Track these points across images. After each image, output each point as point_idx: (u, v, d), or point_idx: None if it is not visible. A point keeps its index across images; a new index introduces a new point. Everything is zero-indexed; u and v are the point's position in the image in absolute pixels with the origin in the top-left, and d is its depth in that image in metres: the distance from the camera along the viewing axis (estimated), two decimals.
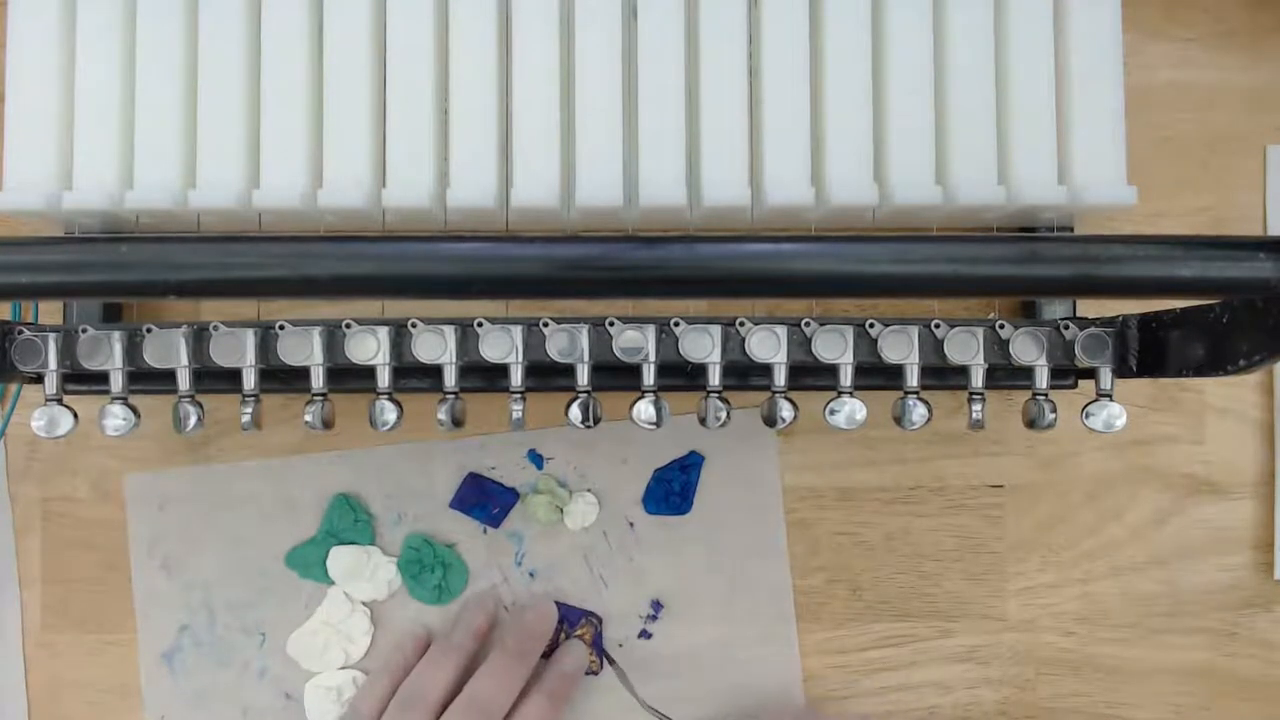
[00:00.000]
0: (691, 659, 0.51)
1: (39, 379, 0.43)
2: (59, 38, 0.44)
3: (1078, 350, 0.43)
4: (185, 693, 0.51)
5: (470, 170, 0.44)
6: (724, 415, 0.42)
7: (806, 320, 0.42)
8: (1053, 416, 0.43)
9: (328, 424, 0.42)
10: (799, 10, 0.44)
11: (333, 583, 0.51)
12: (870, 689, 0.52)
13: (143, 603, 0.51)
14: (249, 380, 0.42)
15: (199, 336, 0.42)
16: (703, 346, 0.42)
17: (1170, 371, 0.43)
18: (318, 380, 0.42)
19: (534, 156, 0.44)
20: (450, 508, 0.51)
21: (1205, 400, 0.52)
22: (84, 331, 0.42)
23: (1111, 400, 0.43)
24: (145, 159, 0.44)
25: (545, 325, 0.42)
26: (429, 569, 0.51)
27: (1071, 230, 0.47)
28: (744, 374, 0.45)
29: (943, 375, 0.44)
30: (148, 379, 0.44)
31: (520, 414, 0.42)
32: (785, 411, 0.42)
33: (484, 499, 0.51)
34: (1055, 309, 0.48)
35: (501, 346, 0.42)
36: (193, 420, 0.42)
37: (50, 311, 0.48)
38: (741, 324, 0.42)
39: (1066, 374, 0.47)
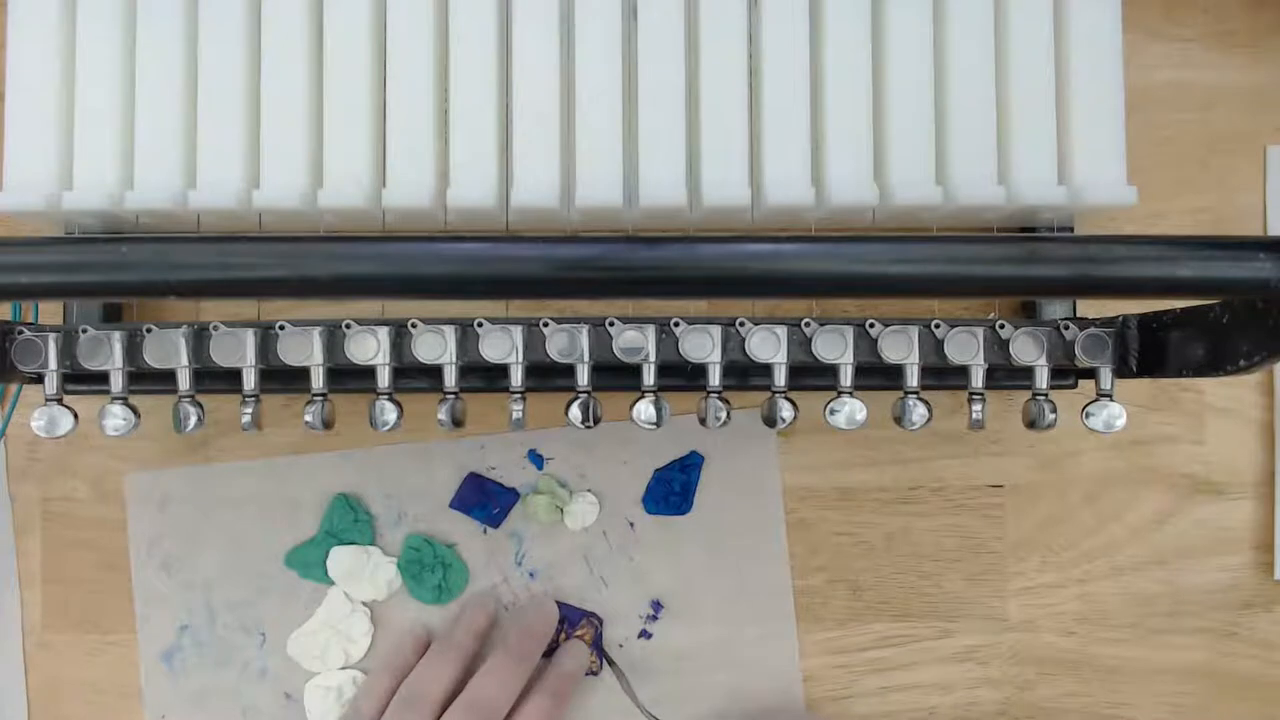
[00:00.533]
0: (691, 659, 0.51)
1: (39, 379, 0.43)
2: (59, 38, 0.44)
3: (1078, 350, 0.43)
4: (185, 693, 0.51)
5: (470, 170, 0.44)
6: (724, 415, 0.42)
7: (806, 320, 0.42)
8: (1053, 416, 0.43)
9: (328, 424, 0.42)
10: (799, 10, 0.44)
11: (333, 583, 0.51)
12: (870, 689, 0.52)
13: (143, 602, 0.51)
14: (249, 380, 0.42)
15: (199, 336, 0.42)
16: (703, 346, 0.42)
17: (1170, 371, 0.43)
18: (318, 380, 0.42)
19: (534, 156, 0.44)
20: (450, 508, 0.51)
21: (1205, 400, 0.52)
22: (84, 331, 0.42)
23: (1111, 400, 0.43)
24: (145, 159, 0.44)
25: (545, 325, 0.42)
26: (429, 569, 0.51)
27: (1071, 230, 0.47)
28: (744, 374, 0.45)
29: (943, 375, 0.44)
30: (148, 379, 0.44)
31: (520, 414, 0.42)
32: (785, 411, 0.42)
33: (484, 499, 0.51)
34: (1055, 309, 0.48)
35: (501, 346, 0.42)
36: (193, 420, 0.42)
37: (50, 311, 0.48)
38: (741, 324, 0.42)
39: (1066, 374, 0.47)
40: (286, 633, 0.51)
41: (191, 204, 0.43)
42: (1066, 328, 0.43)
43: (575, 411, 0.42)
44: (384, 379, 0.42)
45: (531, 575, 0.51)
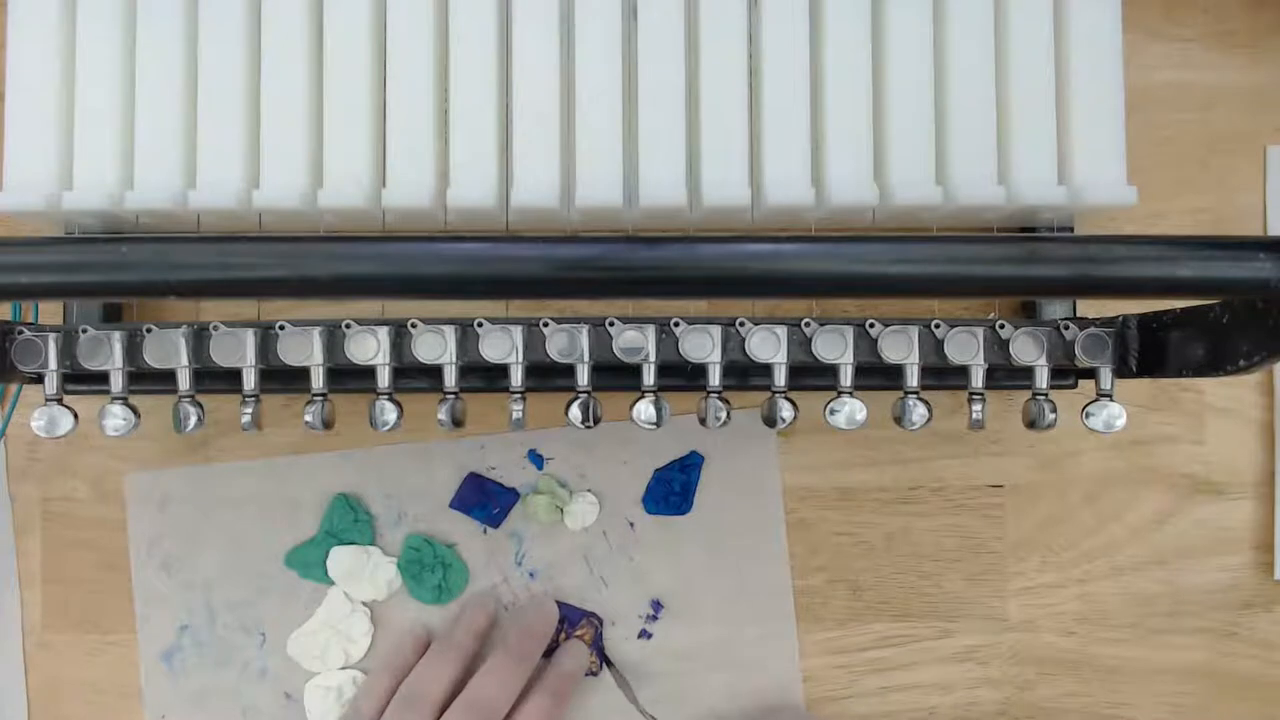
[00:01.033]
0: (691, 659, 0.51)
1: (39, 379, 0.43)
2: (59, 38, 0.44)
3: (1078, 350, 0.43)
4: (185, 693, 0.51)
5: (470, 170, 0.44)
6: (724, 415, 0.42)
7: (806, 320, 0.42)
8: (1053, 416, 0.43)
9: (328, 424, 0.42)
10: (799, 10, 0.44)
11: (333, 583, 0.51)
12: (870, 689, 0.52)
13: (143, 602, 0.51)
14: (249, 380, 0.42)
15: (199, 336, 0.42)
16: (703, 346, 0.42)
17: (1170, 371, 0.43)
18: (318, 380, 0.42)
19: (534, 156, 0.44)
20: (450, 508, 0.51)
21: (1205, 400, 0.52)
22: (84, 331, 0.42)
23: (1111, 400, 0.43)
24: (145, 159, 0.44)
25: (545, 325, 0.42)
26: (429, 569, 0.51)
27: (1071, 230, 0.47)
28: (744, 374, 0.45)
29: (943, 375, 0.44)
30: (148, 379, 0.44)
31: (520, 414, 0.42)
32: (785, 411, 0.42)
33: (484, 499, 0.51)
34: (1055, 309, 0.48)
35: (501, 346, 0.42)
36: (193, 420, 0.42)
37: (50, 311, 0.48)
38: (741, 324, 0.42)
39: (1066, 374, 0.47)
40: (286, 633, 0.51)
41: (191, 204, 0.43)
42: (1066, 328, 0.43)
43: (575, 411, 0.42)
44: (384, 379, 0.42)
45: (531, 575, 0.51)
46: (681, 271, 0.34)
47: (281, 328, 0.42)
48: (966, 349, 0.43)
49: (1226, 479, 0.52)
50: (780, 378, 0.42)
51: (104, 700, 0.51)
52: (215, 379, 0.44)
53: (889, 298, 0.46)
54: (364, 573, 0.50)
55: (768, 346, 0.42)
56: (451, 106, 0.44)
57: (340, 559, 0.50)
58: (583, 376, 0.42)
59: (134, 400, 0.43)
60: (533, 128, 0.44)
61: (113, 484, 0.51)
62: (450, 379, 0.42)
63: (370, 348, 0.42)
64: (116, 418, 0.42)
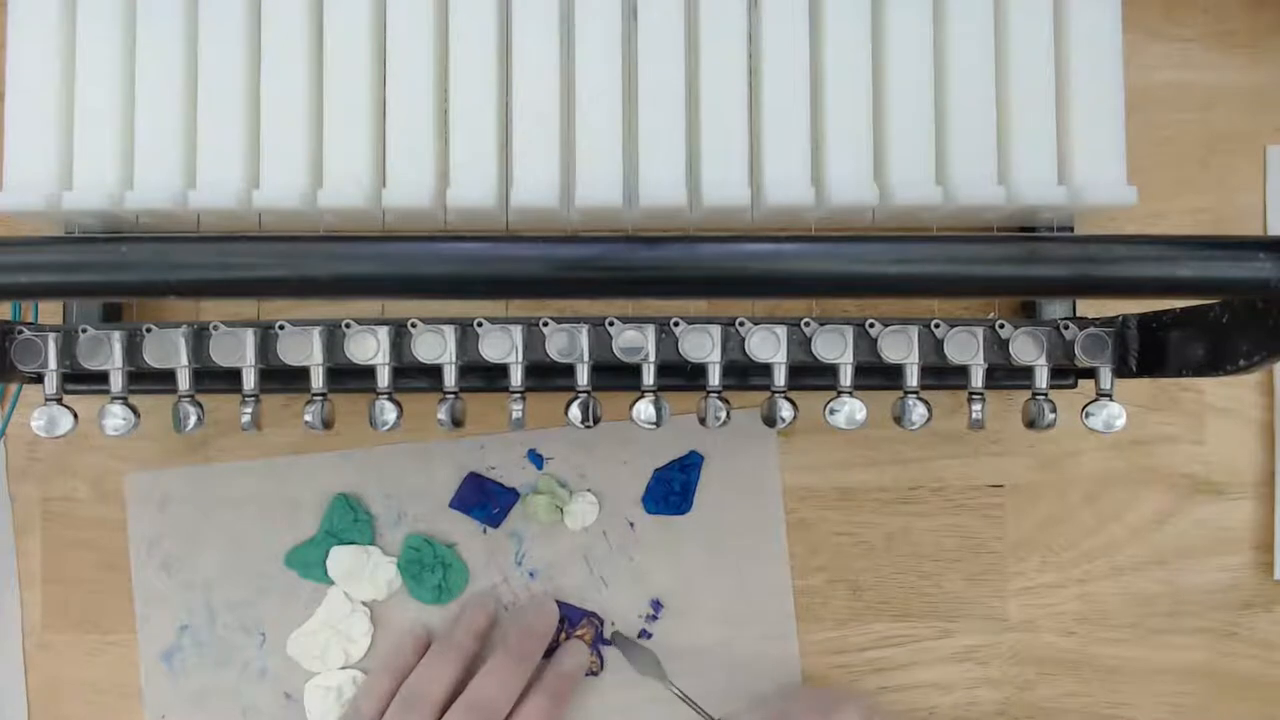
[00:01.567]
0: (692, 659, 0.51)
1: (39, 379, 0.43)
2: (59, 38, 0.44)
3: (1078, 350, 0.43)
4: (185, 693, 0.51)
5: (470, 170, 0.44)
6: (724, 415, 0.42)
7: (806, 320, 0.42)
8: (1053, 416, 0.43)
9: (328, 424, 0.42)
10: (799, 10, 0.44)
11: (333, 583, 0.51)
12: (870, 689, 0.52)
13: (143, 603, 0.51)
14: (249, 380, 0.42)
15: (199, 336, 0.42)
16: (703, 346, 0.42)
17: (1170, 371, 0.43)
18: (318, 380, 0.42)
19: (534, 156, 0.44)
20: (450, 508, 0.51)
21: (1205, 400, 0.52)
22: (84, 331, 0.42)
23: (1111, 400, 0.43)
24: (145, 159, 0.44)
25: (545, 325, 0.42)
26: (429, 569, 0.51)
27: (1071, 230, 0.47)
28: (744, 374, 0.45)
29: (943, 375, 0.44)
30: (148, 379, 0.44)
31: (520, 414, 0.42)
32: (785, 411, 0.42)
33: (484, 499, 0.51)
34: (1055, 309, 0.48)
35: (501, 346, 0.42)
36: (193, 420, 0.42)
37: (50, 311, 0.48)
38: (741, 324, 0.42)
39: (1066, 374, 0.47)
40: (286, 633, 0.51)
41: (191, 204, 0.43)
42: (1066, 328, 0.43)
43: (575, 411, 0.42)
44: (384, 379, 0.42)
45: (531, 575, 0.51)
46: (681, 271, 0.34)
47: (281, 327, 0.42)
48: (966, 349, 0.43)
49: (1226, 479, 0.52)
50: (780, 377, 0.42)
51: (104, 700, 0.51)
52: (215, 379, 0.44)
53: (889, 298, 0.46)
54: (364, 573, 0.50)
55: (768, 346, 0.42)
56: (451, 106, 0.44)
57: (340, 559, 0.50)
58: (583, 376, 0.42)
59: (134, 400, 0.43)
60: (533, 128, 0.44)
61: (113, 484, 0.51)
62: (450, 379, 0.42)
63: (370, 347, 0.42)
64: (116, 418, 0.42)
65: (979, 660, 0.52)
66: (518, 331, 0.42)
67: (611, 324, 0.42)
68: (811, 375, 0.44)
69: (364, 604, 0.51)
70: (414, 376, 0.45)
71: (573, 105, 0.44)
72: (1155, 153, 0.52)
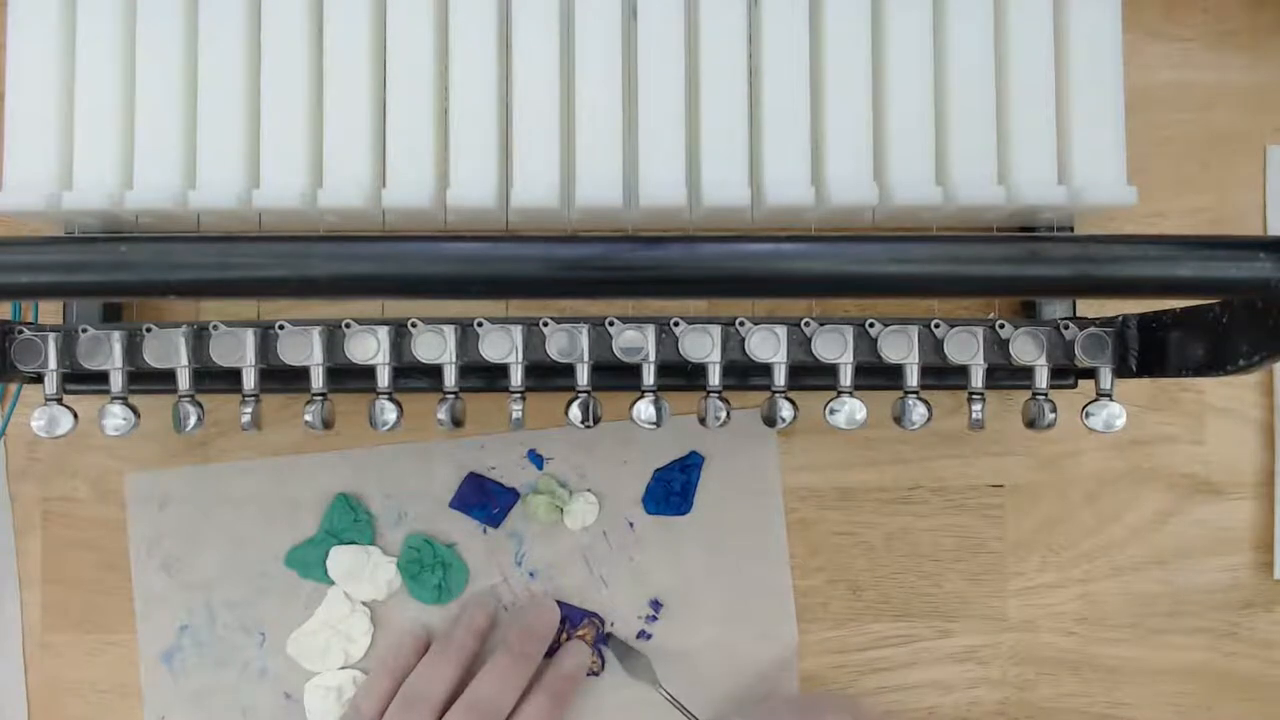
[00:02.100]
0: (691, 659, 0.51)
1: (39, 379, 0.43)
2: (59, 38, 0.44)
3: (1078, 350, 0.43)
4: (185, 693, 0.51)
5: (470, 170, 0.44)
6: (724, 415, 0.42)
7: (806, 320, 0.42)
8: (1053, 416, 0.43)
9: (328, 424, 0.42)
10: (799, 10, 0.44)
11: (333, 583, 0.51)
12: (870, 689, 0.52)
13: (143, 603, 0.51)
14: (249, 380, 0.42)
15: (199, 336, 0.42)
16: (703, 346, 0.42)
17: (1170, 371, 0.43)
18: (318, 380, 0.42)
19: (534, 156, 0.44)
20: (450, 508, 0.51)
21: (1205, 400, 0.52)
22: (84, 331, 0.42)
23: (1111, 400, 0.43)
24: (145, 159, 0.44)
25: (545, 325, 0.42)
26: (429, 569, 0.51)
27: (1071, 230, 0.47)
28: (744, 374, 0.45)
29: (943, 375, 0.44)
30: (148, 379, 0.44)
31: (520, 414, 0.42)
32: (785, 411, 0.42)
33: (484, 499, 0.51)
34: (1055, 309, 0.48)
35: (501, 346, 0.42)
36: (193, 420, 0.42)
37: (50, 311, 0.48)
38: (741, 324, 0.42)
39: (1066, 374, 0.47)
40: (286, 633, 0.51)
41: (191, 204, 0.43)
42: (1066, 327, 0.43)
43: (575, 411, 0.42)
44: (384, 379, 0.42)
45: (531, 575, 0.51)
46: (681, 271, 0.34)
47: (281, 327, 0.42)
48: (966, 349, 0.43)
49: (1226, 479, 0.52)
50: (780, 377, 0.42)
51: (104, 700, 0.51)
52: (215, 379, 0.44)
53: (889, 298, 0.46)
54: (364, 573, 0.50)
55: (768, 346, 0.42)
56: (451, 106, 0.44)
57: (340, 559, 0.50)
58: (583, 376, 0.42)
59: (134, 400, 0.43)
60: (533, 128, 0.44)
61: (113, 484, 0.51)
62: (450, 379, 0.42)
63: (370, 347, 0.42)
64: (116, 417, 0.42)
65: (979, 660, 0.52)
66: (518, 331, 0.42)
67: (611, 324, 0.42)
68: (811, 375, 0.44)
69: (364, 604, 0.51)
70: (414, 376, 0.45)
71: (573, 105, 0.44)
72: (1155, 153, 0.52)
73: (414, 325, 0.42)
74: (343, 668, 0.50)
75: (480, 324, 0.42)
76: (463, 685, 0.47)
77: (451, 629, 0.50)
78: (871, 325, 0.42)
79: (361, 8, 0.44)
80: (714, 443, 0.51)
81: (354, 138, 0.44)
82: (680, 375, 0.44)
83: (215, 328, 0.42)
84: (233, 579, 0.51)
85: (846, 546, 0.52)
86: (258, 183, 0.44)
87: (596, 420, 0.42)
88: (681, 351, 0.42)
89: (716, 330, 0.42)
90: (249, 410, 0.42)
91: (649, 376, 0.42)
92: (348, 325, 0.42)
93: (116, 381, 0.42)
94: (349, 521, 0.51)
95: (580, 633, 0.50)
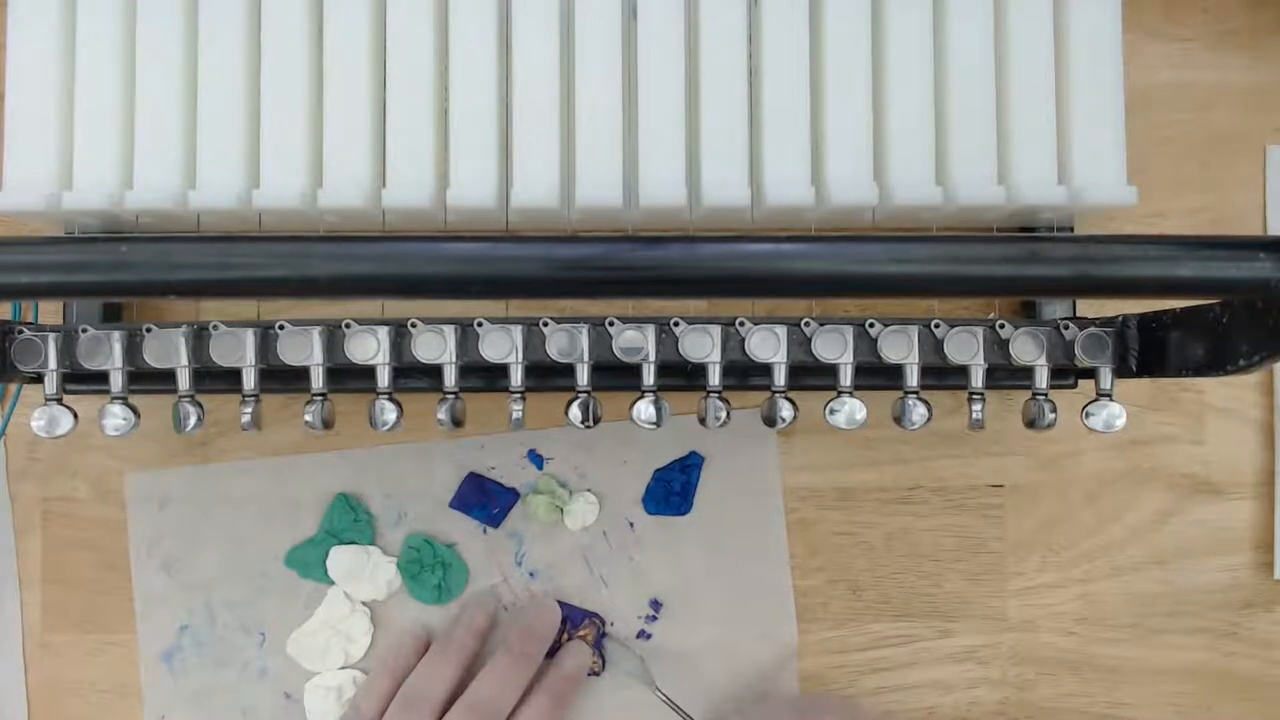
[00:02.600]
0: (691, 659, 0.51)
1: (39, 379, 0.43)
2: (59, 38, 0.44)
3: (1078, 350, 0.43)
4: (185, 693, 0.51)
5: (470, 170, 0.44)
6: (724, 415, 0.42)
7: (806, 320, 0.42)
8: (1053, 416, 0.43)
9: (328, 424, 0.42)
10: (799, 10, 0.44)
11: (333, 583, 0.51)
12: (870, 689, 0.52)
13: (143, 603, 0.51)
14: (249, 380, 0.42)
15: (199, 336, 0.42)
16: (703, 346, 0.42)
17: (1170, 371, 0.43)
18: (318, 380, 0.42)
19: (534, 156, 0.44)
20: (450, 508, 0.51)
21: (1205, 400, 0.52)
22: (84, 331, 0.42)
23: (1111, 400, 0.43)
24: (145, 159, 0.44)
25: (545, 325, 0.42)
26: (429, 569, 0.51)
27: (1071, 230, 0.47)
28: (744, 374, 0.45)
29: (943, 375, 0.44)
30: (148, 379, 0.44)
31: (520, 414, 0.42)
32: (785, 411, 0.42)
33: (484, 499, 0.51)
34: (1055, 309, 0.48)
35: (501, 346, 0.42)
36: (193, 420, 0.42)
37: (50, 311, 0.48)
38: (741, 324, 0.42)
39: (1066, 374, 0.47)
40: (286, 633, 0.51)
41: (191, 204, 0.43)
42: (1066, 328, 0.43)
43: (575, 411, 0.42)
44: (384, 379, 0.42)
45: (531, 575, 0.51)
46: (681, 271, 0.34)
47: (281, 328, 0.42)
48: (966, 349, 0.43)
49: (1226, 479, 0.52)
50: (780, 378, 0.42)
51: (104, 700, 0.51)
52: (215, 379, 0.44)
53: (889, 298, 0.46)
54: (364, 573, 0.50)
55: (768, 346, 0.42)
56: (451, 106, 0.44)
57: (340, 559, 0.50)
58: (583, 376, 0.42)
59: (134, 400, 0.43)
60: (533, 128, 0.44)
61: (113, 484, 0.51)
62: (450, 379, 0.42)
63: (370, 348, 0.42)
64: (116, 418, 0.42)
65: (979, 660, 0.52)
66: (518, 331, 0.42)
67: (611, 324, 0.42)
68: (811, 375, 0.44)
69: (364, 604, 0.51)
70: (414, 376, 0.45)
71: (573, 105, 0.44)
72: (1155, 153, 0.52)
73: (414, 325, 0.42)
74: (343, 668, 0.50)
75: (480, 324, 0.42)
76: (463, 685, 0.47)
77: (451, 629, 0.50)
78: (871, 325, 0.42)
79: (361, 8, 0.44)
80: (714, 443, 0.51)
81: (354, 138, 0.44)
82: (680, 375, 0.44)
83: (215, 328, 0.42)
84: (233, 579, 0.51)
85: (846, 546, 0.52)
86: (258, 183, 0.44)
87: (596, 420, 0.42)
88: (681, 351, 0.42)
89: (716, 330, 0.42)
90: (249, 410, 0.42)
91: (649, 376, 0.42)
92: (348, 325, 0.42)
93: (116, 381, 0.42)
94: (349, 521, 0.51)
95: (581, 633, 0.50)
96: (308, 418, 0.42)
